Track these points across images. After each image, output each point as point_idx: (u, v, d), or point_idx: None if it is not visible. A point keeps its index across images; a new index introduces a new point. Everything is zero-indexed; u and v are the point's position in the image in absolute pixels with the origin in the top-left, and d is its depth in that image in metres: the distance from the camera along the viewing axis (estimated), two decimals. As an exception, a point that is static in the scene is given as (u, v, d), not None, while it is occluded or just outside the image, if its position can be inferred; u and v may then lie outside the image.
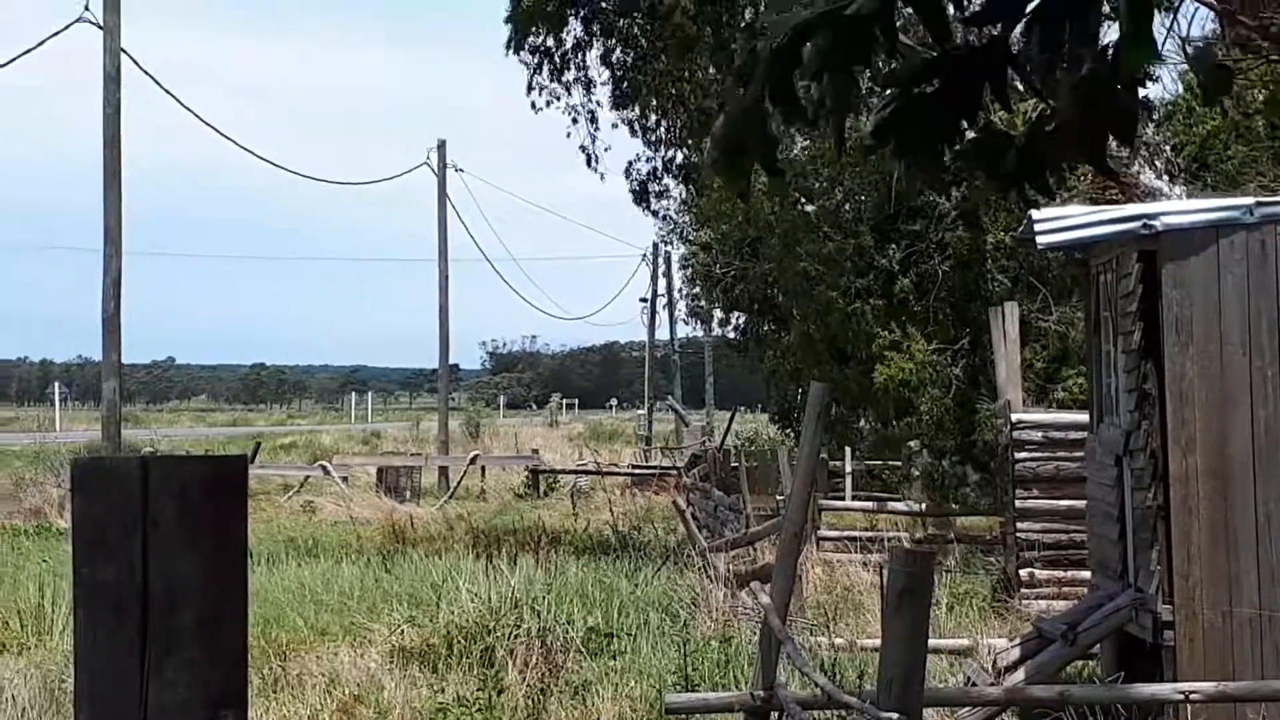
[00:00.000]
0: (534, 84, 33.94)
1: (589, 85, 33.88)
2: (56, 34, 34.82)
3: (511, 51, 33.58)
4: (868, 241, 29.20)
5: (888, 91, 4.01)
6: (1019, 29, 3.99)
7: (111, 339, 33.49)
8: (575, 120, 34.64)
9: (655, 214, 40.07)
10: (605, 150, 35.44)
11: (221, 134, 49.57)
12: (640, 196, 37.47)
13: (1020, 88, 4.17)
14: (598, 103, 34.32)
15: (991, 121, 4.24)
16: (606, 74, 33.44)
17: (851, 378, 30.21)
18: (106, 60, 33.71)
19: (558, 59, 33.51)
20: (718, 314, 42.18)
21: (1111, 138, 4.18)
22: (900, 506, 27.81)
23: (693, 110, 31.76)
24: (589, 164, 35.62)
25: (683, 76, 31.49)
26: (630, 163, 37.03)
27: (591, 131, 34.87)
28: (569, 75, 33.71)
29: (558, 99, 34.21)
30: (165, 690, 2.80)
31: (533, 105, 34.19)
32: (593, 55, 33.43)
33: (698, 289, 42.04)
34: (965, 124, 4.06)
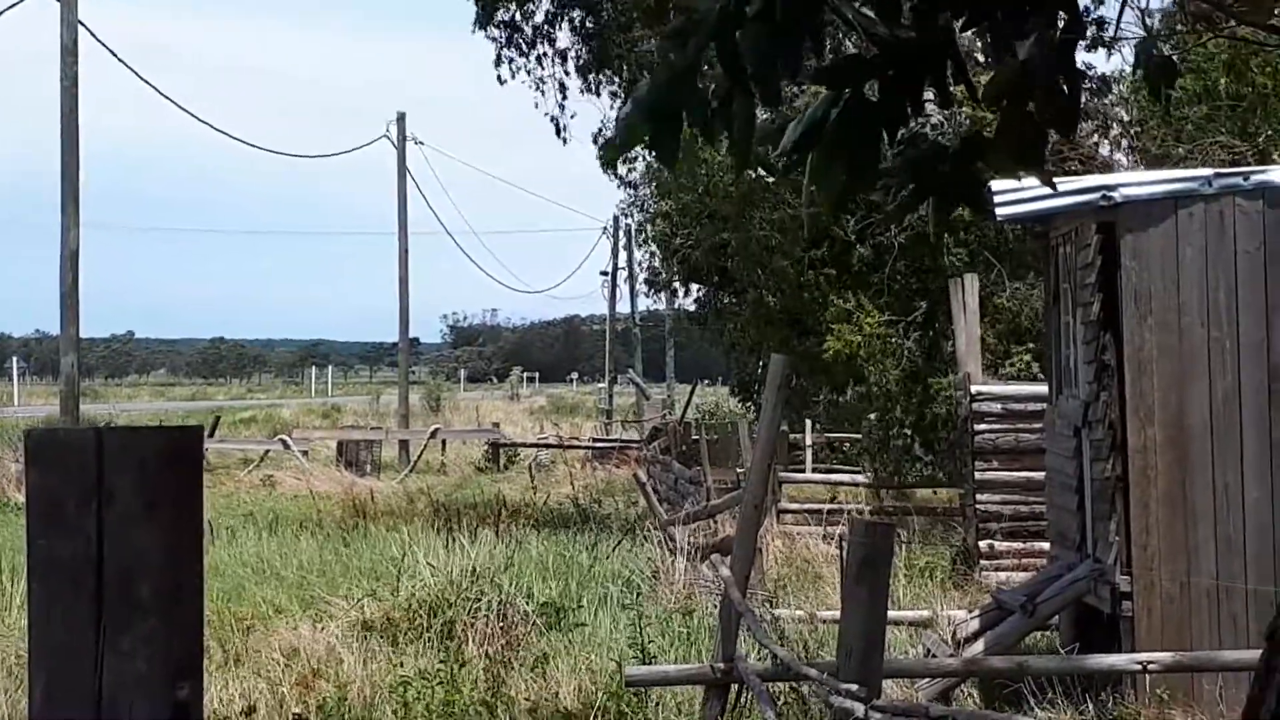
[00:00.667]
0: (502, 57, 33.99)
1: (562, 57, 33.97)
2: (14, 5, 34.60)
3: (478, 28, 33.61)
4: (823, 210, 29.22)
5: (814, 92, 3.98)
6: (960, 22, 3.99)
7: (70, 313, 33.36)
8: (542, 91, 34.72)
9: (623, 180, 40.16)
10: (572, 118, 35.53)
11: (181, 107, 49.46)
12: (608, 161, 37.56)
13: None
14: (566, 72, 34.40)
15: (921, 134, 4.23)
16: (578, 42, 33.50)
17: (809, 349, 30.23)
18: (64, 32, 33.53)
19: (529, 31, 33.56)
20: (677, 285, 42.21)
21: (1053, 132, 4.17)
22: (858, 478, 27.87)
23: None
24: (557, 133, 35.72)
25: (648, 38, 31.56)
26: (599, 129, 37.10)
27: (560, 101, 34.95)
28: (539, 49, 33.79)
29: (528, 72, 34.27)
30: (122, 663, 2.79)
31: (499, 79, 34.22)
32: (563, 26, 33.51)
33: (657, 259, 42.07)
34: (901, 128, 4.03)
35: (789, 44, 3.81)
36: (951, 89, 4.00)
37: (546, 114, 35.19)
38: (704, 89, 3.91)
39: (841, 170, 4.02)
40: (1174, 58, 25.93)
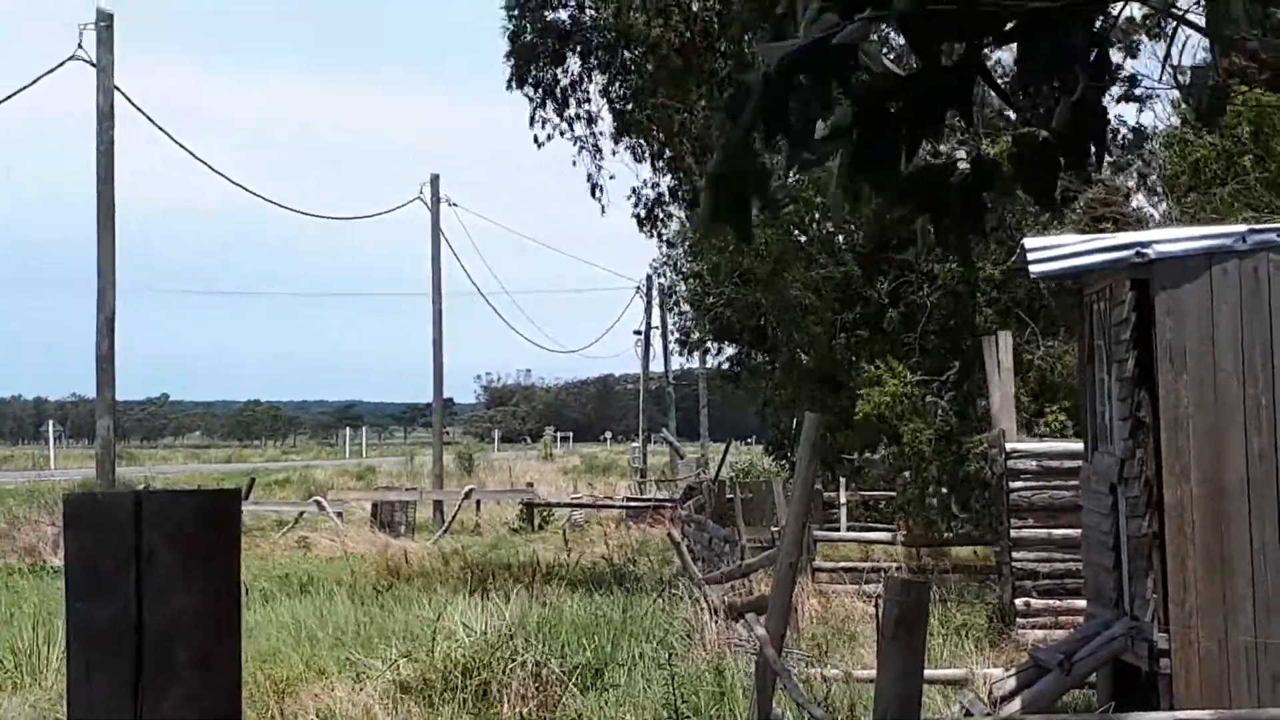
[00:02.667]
0: (536, 117, 34.23)
1: (591, 120, 34.22)
2: (50, 72, 34.86)
3: (515, 87, 33.84)
4: (854, 271, 29.25)
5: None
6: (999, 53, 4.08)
7: (105, 376, 33.48)
8: (580, 149, 34.96)
9: (659, 237, 40.42)
10: (610, 179, 35.75)
11: (214, 170, 49.58)
12: (644, 221, 37.77)
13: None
14: (600, 134, 34.62)
15: (932, 163, 4.29)
16: (606, 106, 33.75)
17: (843, 407, 30.20)
18: (100, 98, 33.75)
19: (559, 94, 33.79)
20: (709, 344, 42.28)
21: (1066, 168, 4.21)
22: (893, 537, 27.78)
23: (693, 138, 32.01)
24: (593, 194, 35.95)
25: (678, 107, 31.74)
26: (634, 189, 37.29)
27: (596, 162, 35.16)
28: (570, 110, 34.02)
29: (562, 134, 34.54)
30: (160, 726, 2.79)
31: (535, 140, 34.48)
32: (593, 89, 33.75)
33: (689, 320, 42.14)
34: (925, 142, 4.10)
35: (823, 96, 3.89)
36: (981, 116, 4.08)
37: (586, 174, 35.46)
38: (760, 158, 4.00)
39: (859, 175, 4.10)
40: (1224, 86, 25.98)
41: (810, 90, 3.91)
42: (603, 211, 37.73)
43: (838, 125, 4.05)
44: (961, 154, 27.54)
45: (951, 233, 4.36)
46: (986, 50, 4.11)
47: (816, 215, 30.23)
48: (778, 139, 4.03)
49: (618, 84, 33.21)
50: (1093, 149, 4.07)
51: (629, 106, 33.49)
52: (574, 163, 35.40)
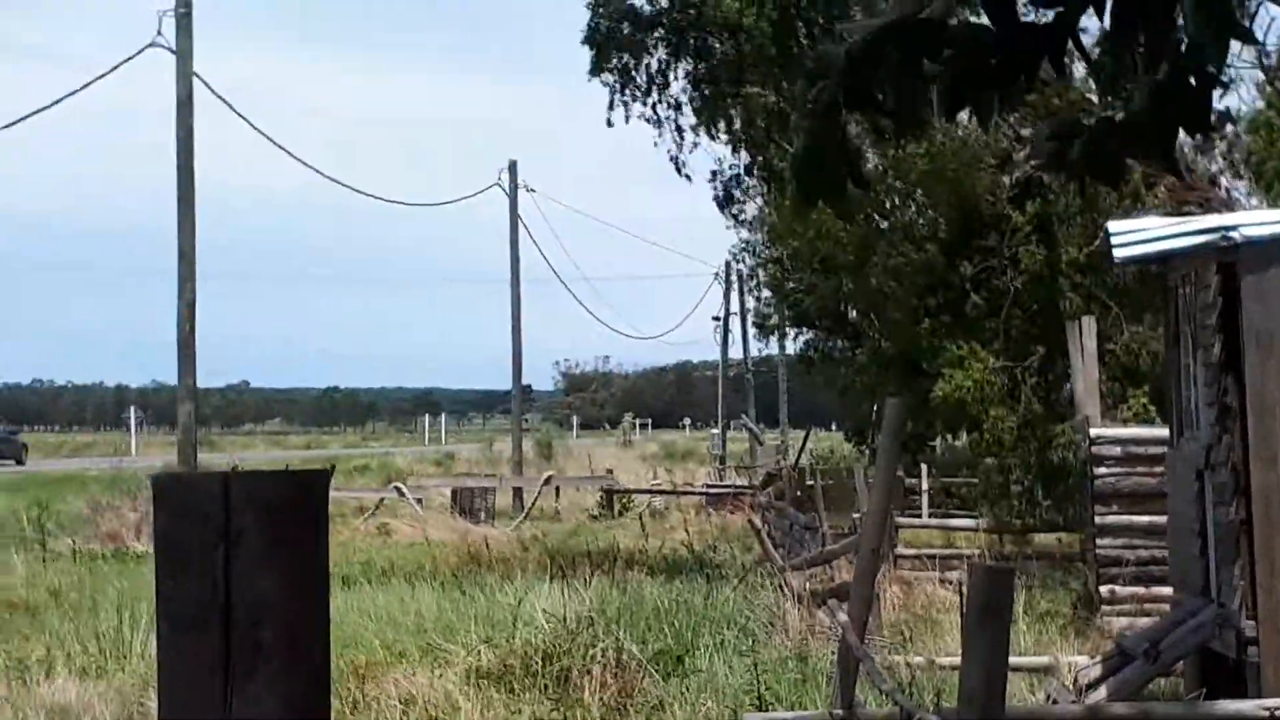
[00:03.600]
0: (615, 102, 34.26)
1: (676, 105, 34.24)
2: (129, 59, 35.09)
3: (592, 75, 33.89)
4: (937, 257, 29.08)
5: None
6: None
7: (186, 363, 33.69)
8: (660, 131, 34.98)
9: (737, 219, 40.40)
10: (690, 151, 35.78)
11: (294, 156, 50.02)
12: (725, 202, 37.78)
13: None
14: (682, 116, 34.66)
15: (1058, 108, 4.29)
16: (690, 89, 33.77)
17: (924, 395, 30.08)
18: (179, 85, 33.93)
19: (642, 81, 33.82)
20: (789, 330, 42.24)
21: (1182, 132, 4.18)
22: (975, 524, 27.66)
23: (774, 118, 31.96)
24: (678, 171, 35.93)
25: (760, 91, 31.70)
26: (714, 172, 37.27)
27: (678, 141, 35.18)
28: (654, 96, 34.04)
29: (645, 121, 34.55)
30: (249, 706, 2.77)
31: (608, 122, 34.48)
32: (677, 73, 33.78)
33: (768, 305, 42.10)
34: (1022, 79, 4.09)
35: (915, 76, 3.88)
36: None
37: (667, 152, 35.47)
38: (845, 131, 4.00)
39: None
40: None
41: (899, 65, 3.89)
42: (689, 180, 37.53)
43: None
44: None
45: (1076, 178, 4.36)
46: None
47: (898, 200, 30.12)
48: (862, 115, 4.03)
49: (701, 66, 33.20)
50: (1204, 109, 4.04)
51: (707, 91, 33.49)
52: (655, 143, 35.44)
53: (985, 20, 4.07)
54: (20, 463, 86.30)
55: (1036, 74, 4.10)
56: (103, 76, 36.46)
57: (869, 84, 3.93)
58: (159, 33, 34.32)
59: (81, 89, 38.73)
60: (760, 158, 34.79)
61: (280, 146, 61.99)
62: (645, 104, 34.19)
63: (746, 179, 37.07)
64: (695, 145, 35.32)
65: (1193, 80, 3.95)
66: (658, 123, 34.72)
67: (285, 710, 2.80)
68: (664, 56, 33.55)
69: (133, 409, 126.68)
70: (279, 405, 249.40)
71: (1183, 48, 3.95)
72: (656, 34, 33.10)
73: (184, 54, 33.98)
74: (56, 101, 35.96)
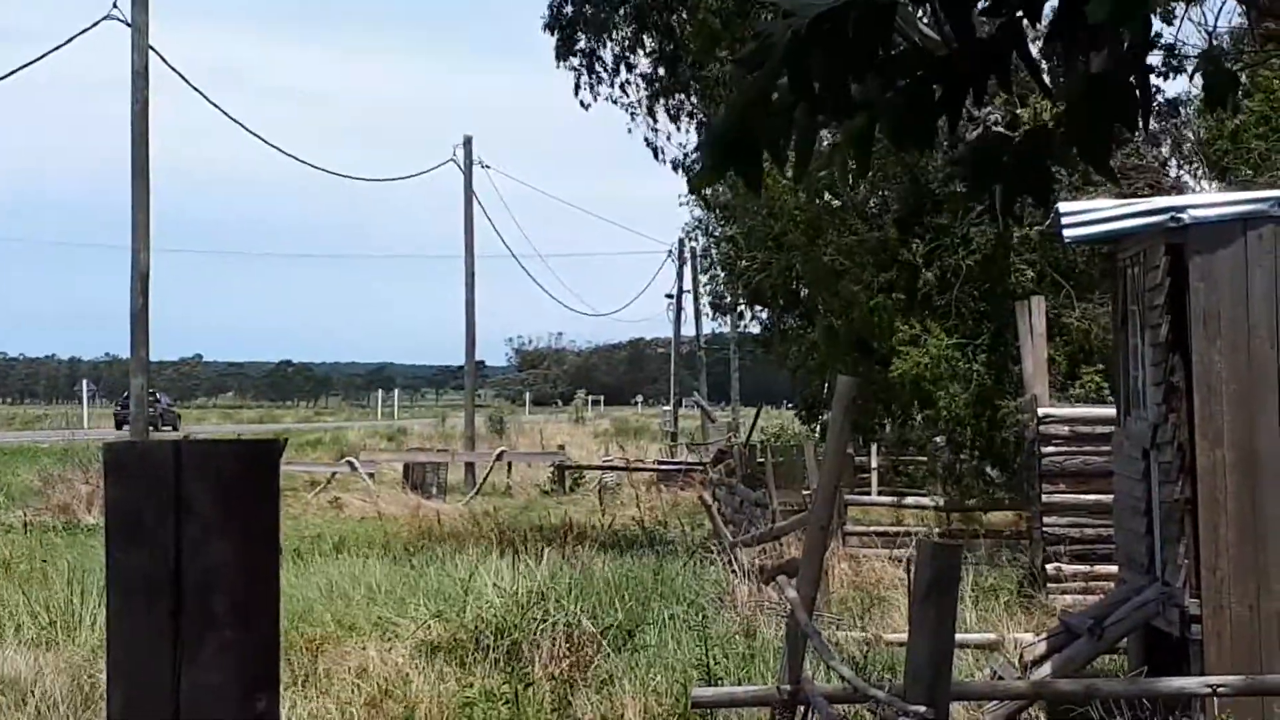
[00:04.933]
0: (581, 84, 34.19)
1: (646, 80, 34.17)
2: (84, 31, 34.88)
3: (559, 60, 33.82)
4: (892, 235, 29.15)
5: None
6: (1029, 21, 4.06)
7: (139, 335, 33.54)
8: (633, 115, 34.92)
9: (707, 203, 40.39)
10: (669, 138, 35.70)
11: (248, 130, 49.62)
12: (694, 191, 37.76)
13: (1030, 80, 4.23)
14: (653, 98, 34.58)
15: (989, 127, 4.30)
16: (657, 69, 33.72)
17: (875, 372, 30.15)
18: (134, 57, 33.77)
19: (609, 61, 33.75)
20: (742, 308, 42.29)
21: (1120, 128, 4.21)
22: (924, 501, 27.79)
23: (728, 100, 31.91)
24: (655, 156, 35.90)
25: (714, 69, 31.68)
26: (685, 154, 37.25)
27: (652, 125, 35.15)
28: (621, 76, 33.97)
29: (613, 101, 34.46)
30: (199, 674, 2.80)
31: (582, 103, 34.41)
32: (642, 55, 33.71)
33: (721, 284, 42.15)
34: (958, 114, 4.10)
35: (857, 63, 3.88)
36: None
37: (644, 138, 35.42)
38: (777, 112, 3.99)
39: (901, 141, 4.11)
40: (1236, 71, 25.81)
41: (842, 50, 3.89)
42: (675, 169, 37.35)
43: (866, 98, 4.04)
44: (996, 117, 27.46)
45: (1014, 197, 4.37)
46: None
47: (850, 180, 30.15)
48: (801, 98, 4.02)
49: (667, 46, 33.15)
50: (1138, 102, 4.07)
51: (665, 71, 33.47)
52: (629, 130, 35.41)
53: (925, 26, 4.09)
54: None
55: (984, 91, 4.12)
56: (58, 49, 36.31)
57: (809, 69, 3.94)
58: (114, 5, 34.17)
59: (36, 61, 38.60)
60: None
61: (236, 121, 61.69)
62: (613, 85, 34.13)
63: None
64: (656, 119, 35.28)
65: (1130, 77, 3.99)
66: (629, 107, 34.68)
67: (235, 679, 2.83)
68: (628, 34, 33.47)
69: (85, 382, 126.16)
70: (232, 379, 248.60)
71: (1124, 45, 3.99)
72: (620, 12, 33.02)
73: (140, 27, 33.79)
74: (10, 73, 35.69)
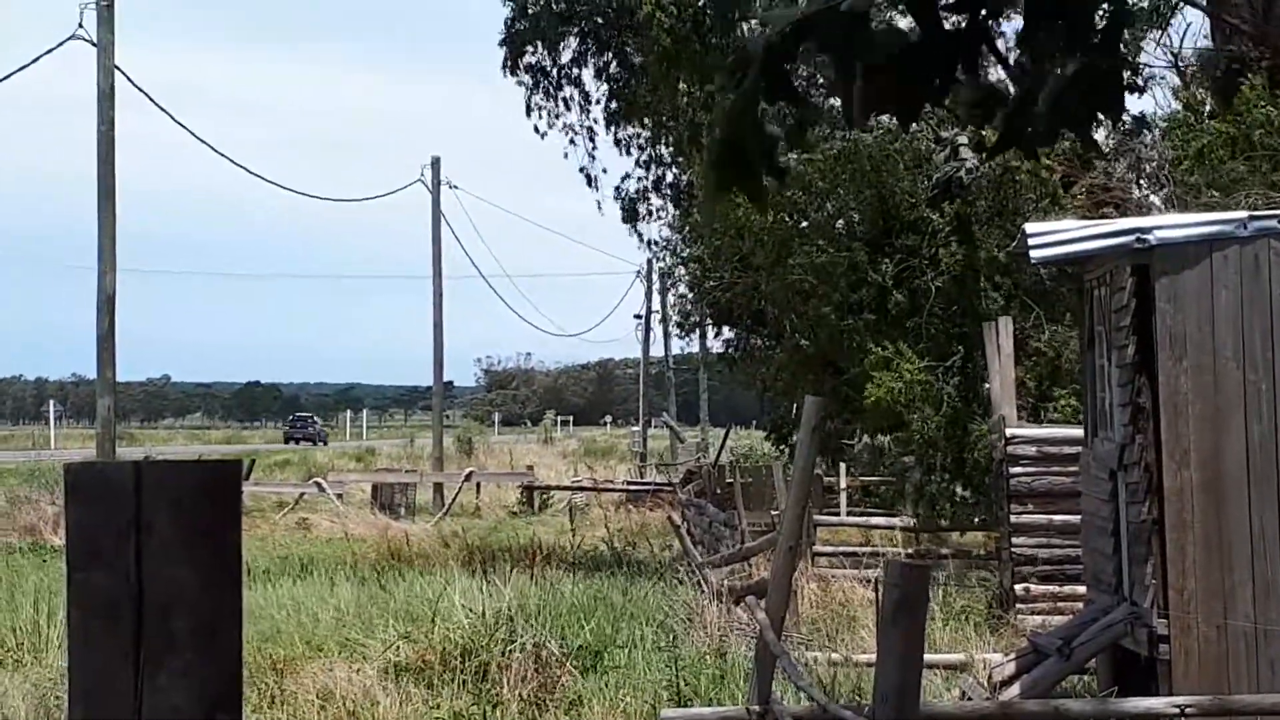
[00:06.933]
0: (532, 104, 34.24)
1: (586, 100, 34.22)
2: (50, 51, 34.81)
3: (508, 73, 33.86)
4: (861, 256, 29.18)
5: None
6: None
7: (106, 356, 33.46)
8: (573, 141, 34.96)
9: (640, 237, 40.39)
10: (604, 172, 35.75)
11: (216, 150, 49.63)
12: (630, 215, 37.75)
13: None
14: (595, 120, 34.64)
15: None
16: (604, 89, 33.77)
17: (845, 393, 30.16)
18: (100, 77, 33.71)
19: (555, 75, 33.80)
20: (709, 328, 42.34)
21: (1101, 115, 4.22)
22: (894, 522, 27.79)
23: (684, 124, 31.95)
24: (589, 184, 35.98)
25: (674, 90, 31.70)
26: (619, 183, 37.31)
27: (590, 151, 35.19)
28: (566, 91, 34.03)
29: (557, 118, 34.53)
30: (160, 696, 2.79)
31: (535, 129, 34.53)
32: (588, 73, 33.75)
33: (689, 303, 42.16)
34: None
35: (842, 65, 3.94)
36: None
37: (579, 167, 35.49)
38: (764, 122, 4.03)
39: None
40: (1237, 69, 25.95)
41: (819, 56, 3.94)
42: (599, 207, 37.65)
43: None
44: (964, 139, 27.52)
45: (998, 147, 4.41)
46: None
47: (816, 199, 30.19)
48: (779, 107, 4.06)
49: (615, 65, 33.22)
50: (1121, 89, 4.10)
51: (624, 90, 33.51)
52: (565, 155, 35.47)
53: (901, 21, 4.11)
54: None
55: (952, 77, 4.14)
56: (23, 69, 36.19)
57: (788, 76, 3.98)
58: (80, 25, 34.12)
59: (1, 80, 38.39)
60: (668, 171, 34.79)
61: (204, 141, 61.75)
62: (557, 101, 34.16)
63: (653, 194, 37.06)
64: (613, 144, 35.35)
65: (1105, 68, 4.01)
66: (572, 132, 34.75)
67: (196, 700, 2.82)
68: (577, 49, 33.52)
69: (52, 403, 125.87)
70: (200, 400, 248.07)
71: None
72: (572, 28, 33.09)
73: (105, 47, 33.74)
74: (-25, 92, 35.60)
